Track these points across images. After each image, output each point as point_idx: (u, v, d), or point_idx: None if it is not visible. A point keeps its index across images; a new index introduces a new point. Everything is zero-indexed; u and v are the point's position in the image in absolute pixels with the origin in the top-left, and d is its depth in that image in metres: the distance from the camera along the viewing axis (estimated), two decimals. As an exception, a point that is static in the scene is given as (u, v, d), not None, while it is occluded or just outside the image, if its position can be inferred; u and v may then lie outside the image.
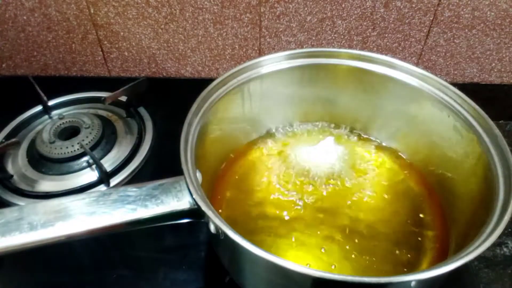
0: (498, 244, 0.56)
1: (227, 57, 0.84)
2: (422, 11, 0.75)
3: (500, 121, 0.74)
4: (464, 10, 0.75)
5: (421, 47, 0.80)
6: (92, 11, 0.78)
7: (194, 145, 0.47)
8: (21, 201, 0.62)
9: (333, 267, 0.48)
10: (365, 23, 0.78)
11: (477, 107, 0.50)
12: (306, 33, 0.79)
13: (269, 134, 0.65)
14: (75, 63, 0.87)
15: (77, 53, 0.85)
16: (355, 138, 0.64)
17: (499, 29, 0.77)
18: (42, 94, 0.78)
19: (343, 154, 0.61)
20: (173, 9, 0.77)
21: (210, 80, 0.53)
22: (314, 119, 0.66)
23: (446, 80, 0.53)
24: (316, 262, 0.49)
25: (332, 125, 0.65)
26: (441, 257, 0.49)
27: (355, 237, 0.51)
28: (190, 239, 0.58)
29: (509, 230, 0.57)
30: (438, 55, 0.81)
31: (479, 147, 0.48)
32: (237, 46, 0.82)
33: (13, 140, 0.71)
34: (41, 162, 0.68)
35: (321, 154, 0.60)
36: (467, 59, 0.82)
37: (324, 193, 0.56)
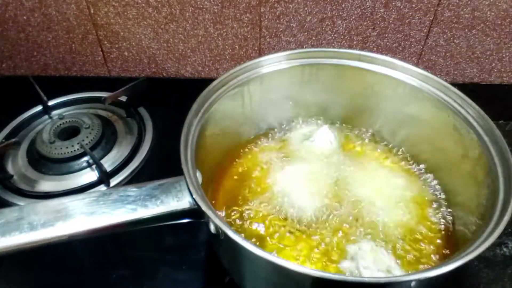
0: (498, 244, 0.56)
1: (227, 57, 0.84)
2: (422, 11, 0.75)
3: (500, 121, 0.74)
4: (464, 10, 0.75)
5: (421, 47, 0.80)
6: (92, 11, 0.78)
7: (194, 145, 0.47)
8: (21, 201, 0.62)
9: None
10: (365, 23, 0.78)
11: (477, 107, 0.50)
12: (306, 33, 0.79)
13: (269, 133, 0.65)
14: (75, 63, 0.87)
15: (77, 53, 0.85)
16: (356, 137, 0.64)
17: (499, 29, 0.77)
18: (42, 94, 0.78)
19: (341, 144, 0.62)
20: (173, 9, 0.77)
21: (210, 80, 0.53)
22: (314, 119, 0.66)
23: (446, 80, 0.53)
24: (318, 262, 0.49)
25: (332, 124, 0.66)
26: (442, 257, 0.49)
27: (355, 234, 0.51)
28: (190, 239, 0.58)
29: (509, 230, 0.57)
30: (438, 55, 0.81)
31: (479, 147, 0.48)
32: (237, 46, 0.82)
33: (13, 140, 0.71)
34: (41, 162, 0.68)
35: (320, 144, 0.61)
36: (467, 59, 0.82)
37: (324, 188, 0.56)
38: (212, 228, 0.40)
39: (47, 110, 0.78)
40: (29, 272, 0.56)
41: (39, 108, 0.78)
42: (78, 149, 0.68)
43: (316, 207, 0.53)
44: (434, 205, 0.55)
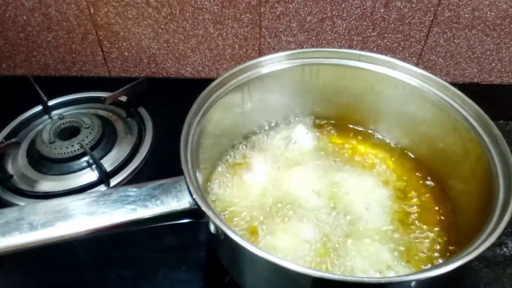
0: (498, 244, 0.56)
1: (227, 57, 0.84)
2: (422, 11, 0.75)
3: (500, 121, 0.74)
4: (464, 10, 0.75)
5: (421, 47, 0.80)
6: (92, 11, 0.78)
7: (194, 145, 0.47)
8: (21, 201, 0.62)
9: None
10: (365, 23, 0.78)
11: (477, 107, 0.50)
12: (306, 33, 0.79)
13: (268, 132, 0.65)
14: (75, 63, 0.87)
15: (77, 53, 0.85)
16: (355, 136, 0.64)
17: (499, 29, 0.77)
18: (42, 94, 0.78)
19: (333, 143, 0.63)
20: (173, 9, 0.77)
21: (210, 80, 0.53)
22: (313, 118, 0.66)
23: (446, 80, 0.53)
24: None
25: (331, 122, 0.66)
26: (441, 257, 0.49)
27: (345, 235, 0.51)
28: (190, 239, 0.58)
29: (509, 230, 0.57)
30: (438, 55, 0.81)
31: (479, 147, 0.48)
32: (237, 46, 0.82)
33: (13, 140, 0.71)
34: (41, 162, 0.68)
35: (298, 142, 0.62)
36: (467, 59, 0.82)
37: (315, 181, 0.56)
38: (212, 228, 0.40)
39: (47, 110, 0.78)
40: (29, 272, 0.56)
41: (39, 108, 0.78)
42: (78, 149, 0.68)
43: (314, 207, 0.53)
44: (433, 205, 0.55)
